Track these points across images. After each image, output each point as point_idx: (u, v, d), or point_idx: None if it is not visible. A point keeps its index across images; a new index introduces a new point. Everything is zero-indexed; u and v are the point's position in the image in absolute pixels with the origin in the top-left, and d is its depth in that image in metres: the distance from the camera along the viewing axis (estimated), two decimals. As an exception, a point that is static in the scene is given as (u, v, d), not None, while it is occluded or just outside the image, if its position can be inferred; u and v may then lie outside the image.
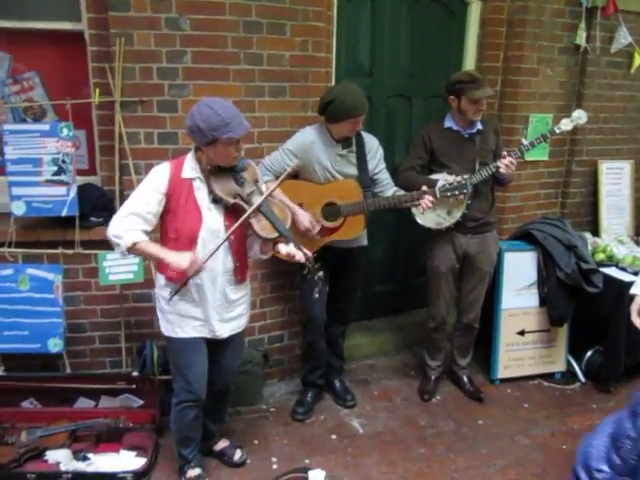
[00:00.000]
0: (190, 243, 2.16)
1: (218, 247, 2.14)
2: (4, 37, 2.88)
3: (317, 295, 2.34)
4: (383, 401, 3.29)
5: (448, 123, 3.01)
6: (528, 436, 3.00)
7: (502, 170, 2.85)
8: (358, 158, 2.83)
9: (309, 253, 2.23)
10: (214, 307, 2.29)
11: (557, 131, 2.93)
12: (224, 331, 2.35)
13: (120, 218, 2.14)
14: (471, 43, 3.72)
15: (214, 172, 2.19)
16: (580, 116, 2.94)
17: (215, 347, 2.40)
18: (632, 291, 2.44)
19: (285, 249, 2.22)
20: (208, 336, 2.33)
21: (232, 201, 2.18)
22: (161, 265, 2.24)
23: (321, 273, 2.22)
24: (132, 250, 2.14)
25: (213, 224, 2.20)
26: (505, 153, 2.89)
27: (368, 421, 3.09)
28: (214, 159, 2.16)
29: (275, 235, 2.21)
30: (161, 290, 2.30)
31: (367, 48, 3.44)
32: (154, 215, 2.17)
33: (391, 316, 4.06)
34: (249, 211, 2.15)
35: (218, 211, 2.21)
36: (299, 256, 2.20)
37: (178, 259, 2.08)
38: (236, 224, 2.15)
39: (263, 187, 2.31)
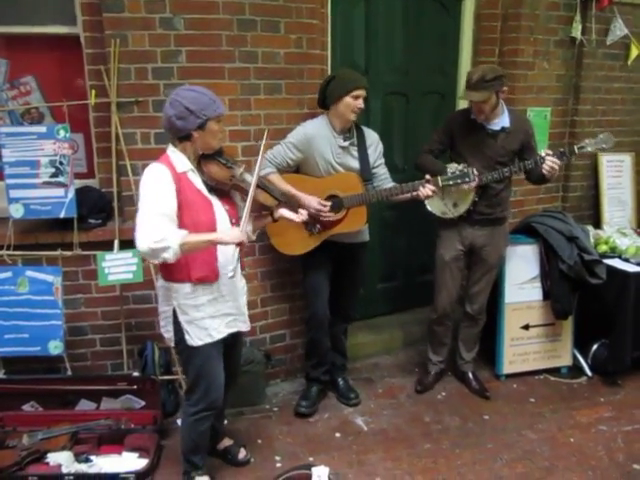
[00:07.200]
0: (210, 232, 2.11)
1: (246, 213, 2.12)
2: (0, 42, 2.89)
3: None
4: (387, 398, 3.26)
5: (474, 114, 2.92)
6: (535, 430, 2.96)
7: (545, 172, 2.77)
8: (359, 151, 2.83)
9: (305, 211, 2.42)
10: (240, 296, 2.31)
11: (576, 151, 2.80)
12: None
13: (150, 225, 1.97)
14: (466, 38, 3.72)
15: (202, 161, 2.19)
16: (606, 140, 2.81)
17: (226, 345, 2.34)
18: None
19: (287, 212, 2.35)
20: (242, 329, 2.35)
21: (230, 184, 2.20)
22: (185, 272, 2.12)
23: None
24: (182, 249, 1.98)
25: (219, 210, 2.19)
26: (547, 154, 2.77)
27: (372, 418, 3.06)
28: (201, 145, 2.13)
29: (276, 202, 2.32)
30: (187, 300, 2.16)
31: (362, 45, 3.44)
32: (175, 213, 2.06)
33: (395, 314, 4.03)
34: (253, 184, 2.12)
35: (216, 198, 2.21)
36: (302, 215, 2.36)
37: (232, 235, 2.05)
38: (249, 197, 2.11)
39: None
